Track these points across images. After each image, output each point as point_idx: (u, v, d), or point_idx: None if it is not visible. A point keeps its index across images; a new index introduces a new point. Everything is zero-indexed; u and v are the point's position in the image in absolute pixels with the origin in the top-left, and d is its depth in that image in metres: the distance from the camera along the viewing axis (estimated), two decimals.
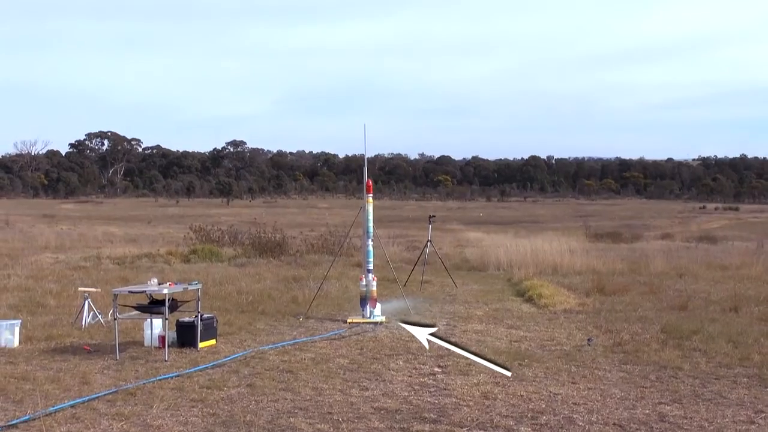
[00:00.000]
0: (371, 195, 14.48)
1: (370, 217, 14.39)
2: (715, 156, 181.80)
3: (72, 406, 7.93)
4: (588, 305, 15.89)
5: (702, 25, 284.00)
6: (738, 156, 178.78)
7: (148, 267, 22.94)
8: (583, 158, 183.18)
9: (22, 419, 7.45)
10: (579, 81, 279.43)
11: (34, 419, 7.43)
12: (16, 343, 11.19)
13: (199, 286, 11.60)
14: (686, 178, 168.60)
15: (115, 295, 10.88)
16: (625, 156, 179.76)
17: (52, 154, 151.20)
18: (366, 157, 15.03)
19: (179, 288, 11.24)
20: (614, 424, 7.52)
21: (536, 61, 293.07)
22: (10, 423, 7.34)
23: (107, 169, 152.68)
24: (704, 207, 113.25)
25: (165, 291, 10.76)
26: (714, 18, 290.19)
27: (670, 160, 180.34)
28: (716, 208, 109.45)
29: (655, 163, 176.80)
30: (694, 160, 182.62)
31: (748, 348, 11.14)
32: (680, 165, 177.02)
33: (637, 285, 18.94)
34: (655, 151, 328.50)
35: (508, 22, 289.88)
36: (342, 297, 16.75)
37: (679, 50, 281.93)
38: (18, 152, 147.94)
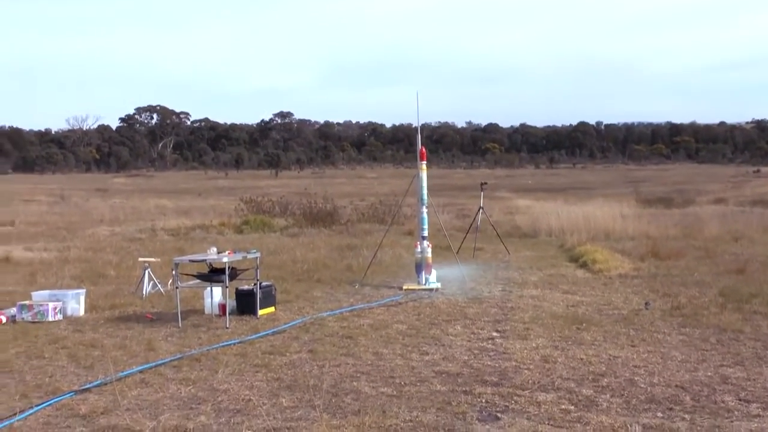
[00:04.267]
0: (425, 162, 14.47)
1: (424, 185, 14.39)
2: None
3: (140, 372, 8.15)
4: (643, 270, 15.78)
5: None
6: None
7: (202, 238, 23.26)
8: (633, 123, 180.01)
9: (94, 384, 7.68)
10: (627, 44, 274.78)
11: (106, 384, 7.66)
12: (82, 311, 11.51)
13: (258, 254, 11.76)
14: (739, 142, 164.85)
15: (176, 264, 11.09)
16: (676, 120, 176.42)
17: (103, 129, 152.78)
18: (419, 125, 15.00)
19: (238, 256, 11.41)
20: (676, 385, 7.50)
21: (582, 25, 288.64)
22: (83, 387, 7.57)
23: (157, 142, 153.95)
24: (758, 171, 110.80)
25: (225, 259, 10.93)
26: None
27: (722, 123, 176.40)
28: None
29: (707, 127, 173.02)
30: (747, 123, 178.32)
31: None
32: (733, 128, 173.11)
33: (692, 249, 18.73)
34: (706, 115, 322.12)
35: None
36: (396, 264, 16.84)
37: (728, 9, 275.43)
38: (70, 128, 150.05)
